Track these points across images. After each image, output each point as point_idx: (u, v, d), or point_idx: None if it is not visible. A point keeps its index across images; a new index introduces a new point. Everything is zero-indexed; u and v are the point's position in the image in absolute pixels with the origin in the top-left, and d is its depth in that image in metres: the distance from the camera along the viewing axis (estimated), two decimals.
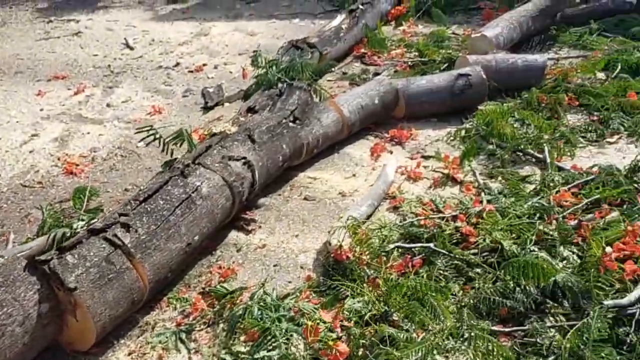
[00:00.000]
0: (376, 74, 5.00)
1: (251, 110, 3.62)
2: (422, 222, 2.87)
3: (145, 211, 2.57)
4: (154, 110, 4.53)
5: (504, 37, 4.94)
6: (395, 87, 4.09)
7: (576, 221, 2.79)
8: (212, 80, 5.10)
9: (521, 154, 3.61)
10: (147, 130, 3.29)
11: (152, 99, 4.81)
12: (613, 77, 4.42)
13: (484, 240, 2.67)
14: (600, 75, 4.56)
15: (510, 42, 5.02)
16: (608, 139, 3.75)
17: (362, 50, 5.43)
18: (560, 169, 3.38)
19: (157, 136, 3.27)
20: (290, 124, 3.47)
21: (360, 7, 5.62)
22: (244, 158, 3.05)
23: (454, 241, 2.73)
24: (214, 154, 3.01)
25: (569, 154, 3.58)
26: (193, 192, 2.72)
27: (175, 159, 3.24)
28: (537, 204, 2.91)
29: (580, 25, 5.48)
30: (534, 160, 3.55)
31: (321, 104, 3.83)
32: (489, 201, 3.05)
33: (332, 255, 2.66)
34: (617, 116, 3.91)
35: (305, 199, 3.32)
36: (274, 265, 2.75)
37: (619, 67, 4.51)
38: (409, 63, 5.06)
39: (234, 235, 3.00)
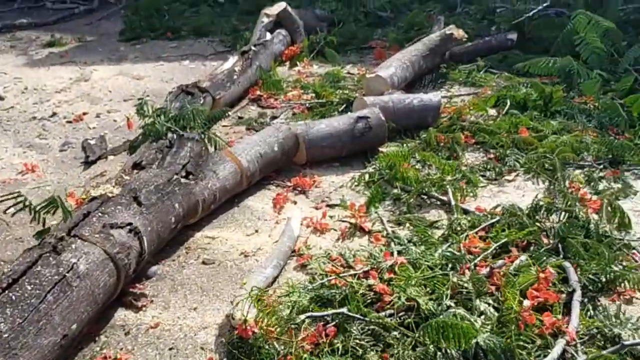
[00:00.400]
0: (273, 117, 4.82)
1: (137, 166, 3.27)
2: (332, 282, 2.67)
3: (8, 301, 2.15)
4: (26, 169, 4.02)
5: (398, 76, 4.96)
6: (294, 133, 3.91)
7: (488, 269, 2.71)
8: (94, 130, 4.66)
9: (426, 197, 3.54)
10: (15, 198, 2.84)
11: (25, 155, 4.29)
12: (504, 114, 4.53)
13: (399, 298, 2.50)
14: (492, 111, 4.67)
15: (404, 82, 5.05)
16: (506, 177, 3.78)
17: (258, 93, 5.23)
18: (465, 211, 3.33)
19: (26, 204, 2.83)
20: (183, 179, 3.16)
21: (253, 48, 5.45)
22: (130, 224, 2.70)
23: (368, 301, 2.55)
24: (94, 222, 2.64)
25: (471, 194, 3.56)
26: (68, 272, 2.33)
27: (49, 228, 2.84)
28: (447, 253, 2.81)
29: (468, 63, 5.66)
30: (439, 202, 3.49)
31: (216, 155, 3.55)
32: (399, 252, 2.91)
33: (236, 331, 2.37)
34: (512, 153, 3.98)
35: (203, 262, 3.01)
36: (170, 349, 2.40)
37: (509, 104, 4.64)
38: (307, 105, 4.94)
39: (121, 314, 2.62)
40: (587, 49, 5.06)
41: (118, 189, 2.91)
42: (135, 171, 3.21)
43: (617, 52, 5.27)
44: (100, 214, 2.70)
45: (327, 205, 3.53)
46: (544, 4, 6.03)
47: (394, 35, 6.41)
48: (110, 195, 2.85)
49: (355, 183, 3.76)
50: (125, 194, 2.87)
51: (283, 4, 6.24)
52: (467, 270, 2.69)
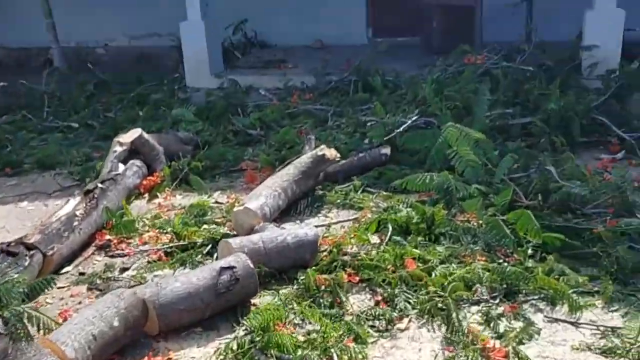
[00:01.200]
0: (124, 269, 4.05)
1: None
2: None
3: None
4: None
5: (269, 206, 4.45)
6: (141, 298, 3.17)
7: None
8: None
9: None
10: None
11: None
12: (387, 241, 4.10)
13: None
14: (374, 239, 4.23)
15: (277, 211, 4.55)
16: (398, 325, 3.26)
17: (107, 237, 4.45)
18: None
19: None
20: None
21: (100, 185, 4.70)
22: None
23: None
24: None
25: (361, 356, 2.97)
26: None
27: None
28: None
29: (344, 182, 5.30)
30: None
31: (30, 348, 2.71)
32: None
33: None
34: (401, 292, 3.50)
35: None
36: None
37: (390, 229, 4.24)
38: (165, 249, 4.23)
39: None
40: (461, 162, 4.90)
41: None
42: None
43: (490, 161, 5.18)
44: None
45: None
46: (414, 117, 5.92)
47: (265, 155, 5.96)
48: None
49: (222, 356, 3.05)
50: None
51: (138, 131, 5.61)
52: None
